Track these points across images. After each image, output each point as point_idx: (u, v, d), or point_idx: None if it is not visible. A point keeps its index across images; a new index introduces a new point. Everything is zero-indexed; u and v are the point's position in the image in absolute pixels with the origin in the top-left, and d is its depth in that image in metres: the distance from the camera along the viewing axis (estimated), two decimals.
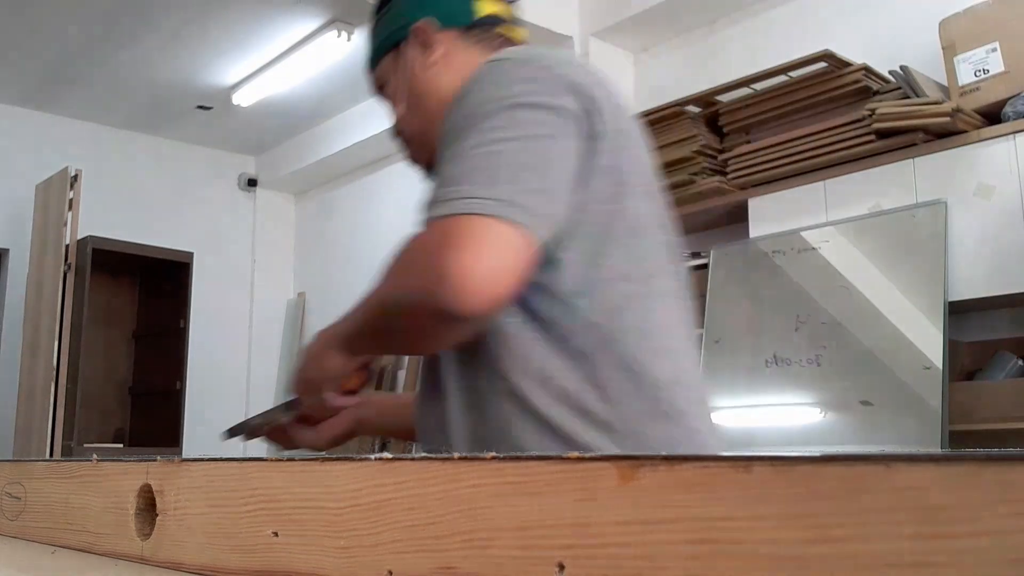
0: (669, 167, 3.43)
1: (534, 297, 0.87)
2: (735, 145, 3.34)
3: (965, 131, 2.74)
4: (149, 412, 5.42)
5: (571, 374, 0.86)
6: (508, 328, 0.88)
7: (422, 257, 0.80)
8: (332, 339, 0.96)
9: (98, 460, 0.76)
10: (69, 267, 4.65)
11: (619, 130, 0.90)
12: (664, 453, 0.36)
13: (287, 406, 1.04)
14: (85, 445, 4.71)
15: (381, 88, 1.12)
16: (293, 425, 1.07)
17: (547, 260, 0.85)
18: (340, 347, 0.95)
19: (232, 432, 1.06)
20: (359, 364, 0.98)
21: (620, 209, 0.89)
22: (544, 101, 0.85)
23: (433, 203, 0.81)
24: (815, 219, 3.04)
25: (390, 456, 0.48)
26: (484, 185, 0.79)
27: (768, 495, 0.32)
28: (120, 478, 0.72)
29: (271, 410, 1.06)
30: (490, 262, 0.76)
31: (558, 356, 0.87)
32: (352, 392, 1.02)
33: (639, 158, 0.93)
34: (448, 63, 1.04)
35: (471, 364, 0.91)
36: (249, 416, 1.08)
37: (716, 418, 0.96)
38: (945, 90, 2.84)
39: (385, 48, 1.10)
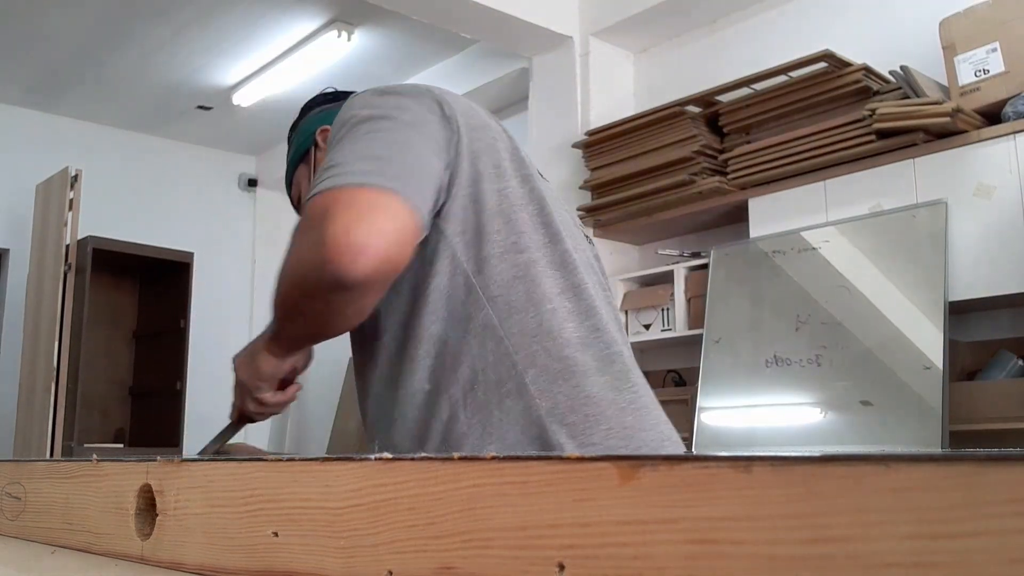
0: (669, 167, 3.43)
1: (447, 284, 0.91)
2: (735, 145, 3.34)
3: (965, 131, 2.73)
4: (149, 412, 5.42)
5: (479, 349, 0.90)
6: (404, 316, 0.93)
7: (305, 235, 0.83)
8: (259, 344, 1.00)
9: (98, 460, 0.76)
10: (69, 267, 4.65)
11: (477, 125, 0.96)
12: (664, 453, 0.36)
13: (235, 425, 1.10)
14: (85, 445, 4.71)
15: (299, 200, 1.20)
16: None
17: (439, 239, 0.91)
18: (267, 349, 0.99)
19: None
20: (289, 366, 1.02)
21: (498, 189, 0.94)
22: (402, 101, 0.92)
23: (310, 190, 0.84)
24: (815, 219, 3.04)
25: (390, 456, 0.48)
26: (351, 164, 0.83)
27: (768, 495, 0.32)
28: (120, 478, 0.72)
29: (221, 433, 1.13)
30: (367, 223, 0.78)
31: (465, 335, 0.91)
32: (289, 383, 1.05)
33: (510, 148, 0.99)
34: None
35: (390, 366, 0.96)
36: (206, 443, 1.14)
37: (637, 380, 0.99)
38: (945, 90, 2.83)
39: (295, 162, 1.21)
